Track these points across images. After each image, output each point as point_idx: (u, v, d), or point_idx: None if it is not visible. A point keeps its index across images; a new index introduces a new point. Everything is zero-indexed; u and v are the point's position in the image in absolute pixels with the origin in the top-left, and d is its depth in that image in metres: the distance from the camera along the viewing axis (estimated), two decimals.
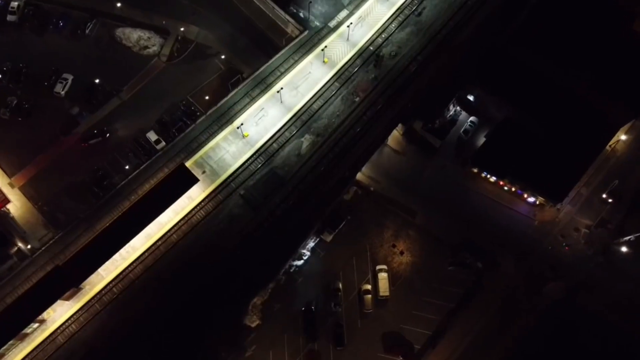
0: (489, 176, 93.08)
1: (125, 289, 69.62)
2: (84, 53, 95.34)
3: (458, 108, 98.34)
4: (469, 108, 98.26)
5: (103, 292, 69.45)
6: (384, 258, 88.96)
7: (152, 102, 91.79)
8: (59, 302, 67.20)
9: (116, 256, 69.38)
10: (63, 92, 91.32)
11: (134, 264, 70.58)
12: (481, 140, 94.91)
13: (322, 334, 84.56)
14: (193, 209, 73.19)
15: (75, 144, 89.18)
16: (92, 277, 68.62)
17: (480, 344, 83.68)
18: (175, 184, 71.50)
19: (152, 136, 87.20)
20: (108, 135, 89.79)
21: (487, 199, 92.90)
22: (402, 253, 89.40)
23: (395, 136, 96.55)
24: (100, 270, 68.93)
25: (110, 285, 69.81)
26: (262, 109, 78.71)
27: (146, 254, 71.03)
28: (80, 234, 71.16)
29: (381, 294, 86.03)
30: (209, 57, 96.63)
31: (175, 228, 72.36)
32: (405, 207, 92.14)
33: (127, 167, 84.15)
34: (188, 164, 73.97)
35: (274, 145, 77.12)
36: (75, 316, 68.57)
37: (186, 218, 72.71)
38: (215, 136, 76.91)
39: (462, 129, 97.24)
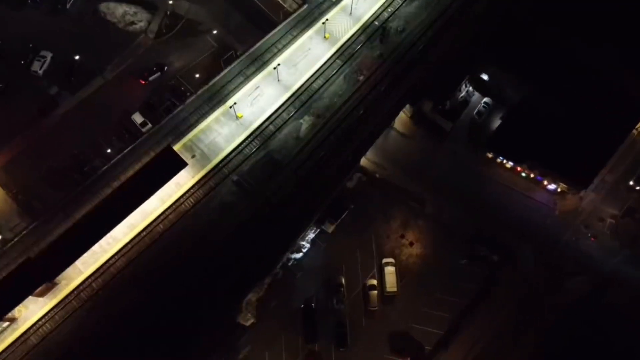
0: (505, 161, 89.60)
1: (105, 285, 65.50)
2: (64, 29, 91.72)
3: (471, 88, 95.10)
4: (482, 88, 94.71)
5: (81, 287, 65.30)
6: (391, 250, 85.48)
7: (138, 83, 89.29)
8: (31, 298, 62.90)
9: (96, 248, 65.14)
10: (41, 71, 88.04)
11: (116, 257, 66.56)
12: (496, 122, 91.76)
13: (323, 334, 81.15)
14: (181, 197, 69.40)
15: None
16: (69, 271, 64.49)
17: (497, 345, 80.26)
18: (161, 168, 67.44)
19: (137, 118, 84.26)
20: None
21: (503, 186, 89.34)
22: (411, 244, 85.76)
23: (402, 119, 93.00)
24: (78, 263, 64.77)
25: (89, 280, 65.62)
26: (258, 87, 75.34)
27: (129, 245, 67.06)
28: (57, 224, 67.22)
29: (388, 289, 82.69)
30: (200, 34, 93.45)
31: (162, 217, 68.47)
32: (414, 195, 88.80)
33: (109, 151, 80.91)
34: (176, 147, 70.37)
35: (271, 127, 73.58)
36: (49, 314, 64.27)
37: (174, 206, 68.95)
38: (206, 117, 73.52)
39: (476, 111, 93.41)
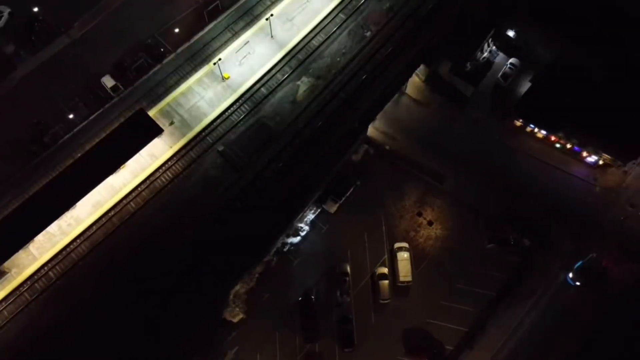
0: (536, 130, 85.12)
1: (65, 274, 60.54)
2: None
3: (494, 48, 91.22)
4: (508, 47, 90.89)
5: (35, 277, 60.16)
6: (404, 233, 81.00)
7: (110, 42, 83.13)
8: None
9: (54, 230, 60.78)
10: None
11: (78, 241, 61.70)
12: (525, 86, 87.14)
13: (325, 332, 76.63)
14: (157, 170, 65.14)
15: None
16: (21, 258, 59.68)
17: (531, 344, 75.15)
18: (131, 135, 63.46)
19: (108, 82, 78.58)
20: None
21: (534, 159, 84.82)
22: (430, 223, 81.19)
23: (415, 83, 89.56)
24: (32, 248, 60.18)
25: (45, 268, 60.48)
26: (247, 42, 70.91)
27: (94, 227, 62.30)
28: (9, 203, 62.31)
29: (401, 279, 78.01)
30: None
31: (133, 194, 64.18)
32: (431, 170, 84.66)
33: (71, 116, 76.18)
34: (152, 113, 66.62)
35: (263, 90, 69.35)
36: None
37: (147, 182, 64.66)
38: (187, 79, 69.80)
39: (500, 73, 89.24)
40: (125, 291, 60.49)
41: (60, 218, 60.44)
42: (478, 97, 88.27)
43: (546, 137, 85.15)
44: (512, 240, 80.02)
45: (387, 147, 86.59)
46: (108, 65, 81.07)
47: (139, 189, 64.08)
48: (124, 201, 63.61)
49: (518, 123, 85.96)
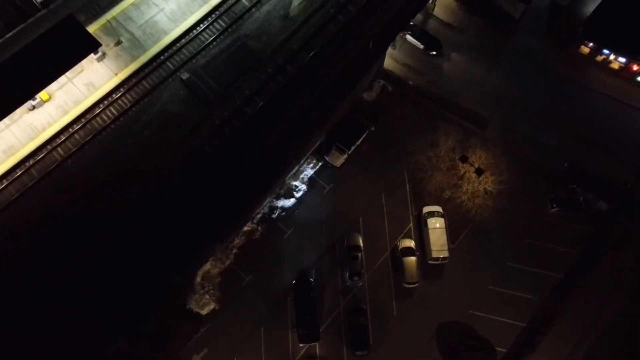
0: (612, 58, 72.65)
1: None
2: None
3: None
4: None
5: None
6: (437, 192, 69.11)
7: None
8: None
9: None
10: None
11: None
12: (592, 4, 75.52)
13: (329, 328, 65.63)
14: (96, 105, 54.90)
15: None
16: None
17: (611, 343, 62.14)
18: (55, 49, 53.03)
19: None
20: None
21: (607, 98, 72.63)
22: (479, 172, 67.73)
23: (446, 1, 79.68)
24: None
25: None
26: None
27: (4, 181, 52.47)
28: None
29: (434, 255, 66.24)
30: None
31: (63, 137, 53.85)
32: (468, 112, 72.75)
33: None
34: (91, 29, 56.25)
35: (244, 1, 59.90)
36: None
37: (83, 120, 54.45)
38: None
39: None
40: (46, 270, 48.74)
41: None
42: (530, 20, 78.47)
43: (625, 67, 72.94)
44: (583, 202, 68.42)
45: (411, 82, 76.47)
46: None
47: (71, 129, 53.26)
48: (49, 146, 53.02)
49: (586, 50, 74.00)
